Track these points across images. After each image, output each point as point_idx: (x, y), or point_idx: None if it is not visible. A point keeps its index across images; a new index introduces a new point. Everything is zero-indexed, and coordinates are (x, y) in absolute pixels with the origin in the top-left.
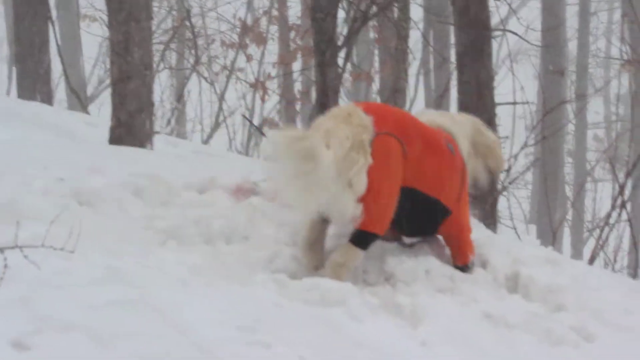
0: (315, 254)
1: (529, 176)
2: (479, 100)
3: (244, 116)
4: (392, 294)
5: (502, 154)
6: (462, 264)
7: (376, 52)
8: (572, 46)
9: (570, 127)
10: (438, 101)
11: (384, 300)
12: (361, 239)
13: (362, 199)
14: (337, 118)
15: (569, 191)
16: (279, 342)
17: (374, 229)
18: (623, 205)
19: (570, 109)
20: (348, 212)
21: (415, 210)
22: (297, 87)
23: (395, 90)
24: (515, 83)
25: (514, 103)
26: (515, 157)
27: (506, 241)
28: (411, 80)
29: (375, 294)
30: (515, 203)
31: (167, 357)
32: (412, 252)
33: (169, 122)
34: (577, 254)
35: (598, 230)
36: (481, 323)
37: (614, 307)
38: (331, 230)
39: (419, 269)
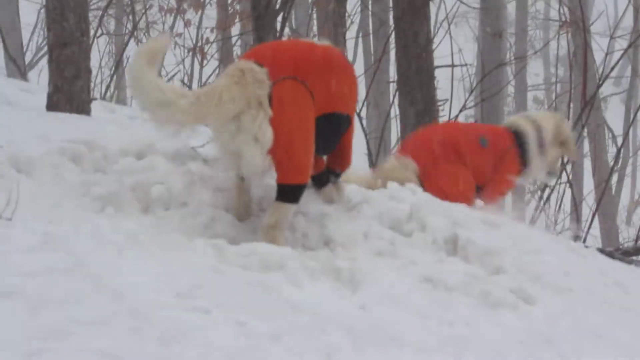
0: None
1: None
2: (417, 63)
3: (182, 82)
4: (331, 258)
5: (575, 147)
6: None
7: (314, 15)
8: (511, 8)
9: (510, 89)
10: (376, 64)
11: (323, 265)
12: (286, 192)
13: (275, 152)
14: (231, 78)
15: None
16: (218, 307)
17: (296, 180)
18: (563, 167)
19: (510, 71)
20: (258, 166)
21: (331, 131)
22: (236, 51)
23: None
24: (454, 46)
25: (453, 65)
26: (455, 119)
27: (445, 204)
28: (350, 43)
29: (315, 258)
30: None
31: (104, 323)
32: (351, 215)
33: (107, 88)
34: (519, 216)
35: (539, 192)
36: (420, 286)
37: (553, 269)
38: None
39: (358, 232)
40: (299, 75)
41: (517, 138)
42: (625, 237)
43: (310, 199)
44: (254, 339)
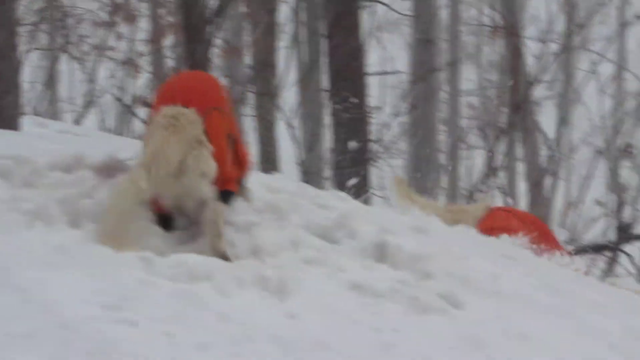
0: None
1: (403, 145)
2: (348, 70)
3: (113, 95)
4: (260, 267)
5: None
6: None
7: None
8: (444, 14)
9: (444, 95)
10: (308, 75)
11: (251, 274)
12: (230, 198)
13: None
14: (165, 130)
15: (443, 159)
16: (145, 319)
17: (235, 189)
18: (494, 171)
19: (443, 77)
20: (207, 197)
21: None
22: (169, 63)
23: (265, 65)
24: (386, 53)
25: (384, 73)
26: (387, 126)
27: (375, 211)
28: (283, 54)
29: (243, 267)
30: (391, 172)
31: (33, 337)
32: (279, 224)
33: (39, 103)
34: None
35: (471, 196)
36: (348, 293)
37: (481, 273)
38: None
39: (286, 241)
40: (217, 105)
41: None
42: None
43: (238, 210)
44: (181, 350)
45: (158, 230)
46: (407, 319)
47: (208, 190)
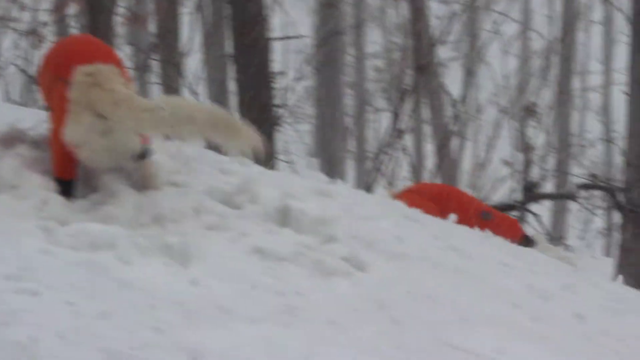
0: None
1: (310, 109)
2: (251, 35)
3: (18, 66)
4: (162, 234)
5: None
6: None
7: None
8: None
9: (349, 59)
10: (209, 39)
11: (153, 242)
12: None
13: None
14: (94, 87)
15: (351, 122)
16: (46, 289)
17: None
18: (398, 134)
19: (347, 40)
20: (137, 149)
21: None
22: (73, 33)
23: (169, 32)
24: (289, 18)
25: (287, 38)
26: (292, 89)
27: (277, 175)
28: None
29: (145, 235)
30: (298, 137)
31: None
32: (181, 191)
33: None
34: (361, 183)
35: (375, 160)
36: (251, 257)
37: (386, 235)
38: None
39: (188, 207)
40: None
41: None
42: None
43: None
44: (83, 318)
45: (59, 198)
46: (311, 282)
47: (136, 143)
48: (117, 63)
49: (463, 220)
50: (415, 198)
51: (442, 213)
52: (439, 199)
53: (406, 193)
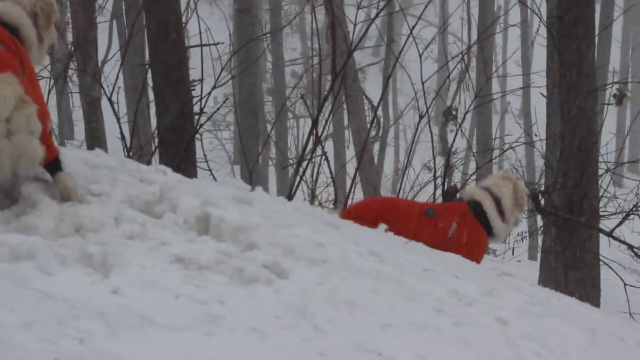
0: None
1: (231, 117)
2: (166, 42)
3: None
4: (82, 244)
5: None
6: None
7: (68, 2)
8: None
9: (268, 65)
10: (124, 47)
11: (74, 251)
12: (60, 163)
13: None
14: None
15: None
16: None
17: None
18: (318, 140)
19: (266, 46)
20: (39, 155)
21: None
22: None
23: (86, 40)
24: (207, 25)
25: (203, 45)
26: (207, 97)
27: (196, 183)
28: (103, 27)
29: (65, 245)
30: (219, 145)
31: None
32: (101, 200)
33: None
34: (283, 190)
35: (295, 166)
36: (172, 266)
37: (306, 241)
38: None
39: (109, 217)
40: (21, 71)
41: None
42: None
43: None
44: (5, 329)
45: None
46: (232, 290)
47: (40, 150)
48: (19, 70)
49: (406, 227)
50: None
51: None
52: (375, 216)
53: (343, 215)
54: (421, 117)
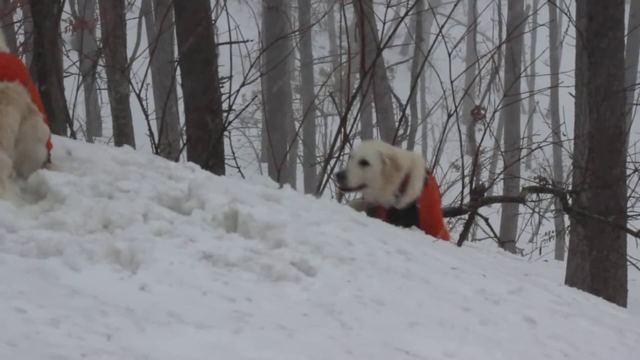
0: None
1: (259, 115)
2: (197, 40)
3: None
4: (110, 239)
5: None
6: None
7: None
8: None
9: (297, 63)
10: (153, 43)
11: (102, 247)
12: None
13: None
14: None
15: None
16: None
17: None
18: (346, 138)
19: (294, 44)
20: (43, 160)
21: None
22: (19, 39)
23: (115, 37)
24: (236, 22)
25: (232, 42)
26: (235, 94)
27: (225, 180)
28: (132, 24)
29: (94, 241)
30: (246, 142)
31: None
32: (129, 196)
33: None
34: (310, 188)
35: (323, 164)
36: (200, 263)
37: (334, 239)
38: None
39: (137, 213)
40: (26, 76)
41: None
42: None
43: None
44: (34, 325)
45: (6, 205)
46: (260, 287)
47: (44, 153)
48: (26, 75)
49: None
50: None
51: None
52: None
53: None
54: (449, 116)
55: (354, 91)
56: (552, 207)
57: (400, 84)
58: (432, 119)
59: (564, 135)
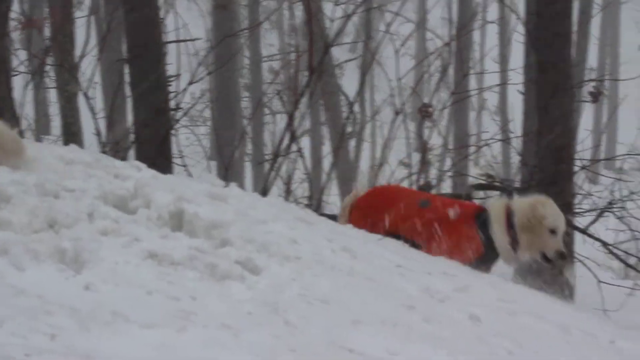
0: None
1: (208, 113)
2: (147, 38)
3: None
4: (56, 239)
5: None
6: None
7: None
8: None
9: (246, 61)
10: (102, 42)
11: (47, 247)
12: None
13: None
14: None
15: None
16: None
17: None
18: (293, 136)
19: (243, 42)
20: None
21: None
22: None
23: (64, 36)
24: (184, 21)
25: (180, 41)
26: (186, 94)
27: (171, 179)
28: (81, 22)
29: (39, 240)
30: (196, 141)
31: None
32: (75, 195)
33: None
34: (259, 186)
35: (271, 162)
36: (145, 262)
37: (280, 238)
38: None
39: (82, 212)
40: None
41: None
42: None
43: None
44: None
45: None
46: (205, 286)
47: None
48: None
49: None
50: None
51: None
52: (376, 205)
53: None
54: (397, 113)
55: (301, 89)
56: None
57: (350, 82)
58: (381, 116)
59: (512, 132)
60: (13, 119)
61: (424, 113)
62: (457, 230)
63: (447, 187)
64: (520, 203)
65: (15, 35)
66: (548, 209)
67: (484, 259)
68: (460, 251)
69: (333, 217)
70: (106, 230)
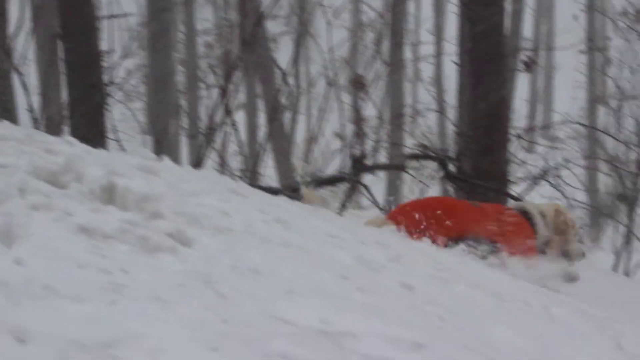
0: None
1: (143, 88)
2: (78, 14)
3: None
4: None
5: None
6: None
7: None
8: None
9: (180, 36)
10: (34, 18)
11: None
12: None
13: None
14: None
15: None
16: None
17: None
18: (227, 109)
19: (178, 17)
20: None
21: None
22: None
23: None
24: None
25: (112, 16)
26: (120, 69)
27: (102, 153)
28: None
29: None
30: (131, 115)
31: None
32: (6, 171)
33: None
34: (193, 160)
35: (205, 136)
36: (77, 236)
37: (211, 210)
38: None
39: (13, 187)
40: None
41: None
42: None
43: None
44: None
45: None
46: (137, 259)
47: None
48: None
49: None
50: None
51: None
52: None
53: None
54: (329, 85)
55: (234, 63)
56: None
57: (285, 55)
58: (316, 89)
59: (446, 103)
60: None
61: (357, 85)
62: (524, 228)
63: (382, 157)
64: (544, 207)
65: None
66: (570, 213)
67: None
68: (534, 249)
69: (269, 190)
70: (37, 205)
